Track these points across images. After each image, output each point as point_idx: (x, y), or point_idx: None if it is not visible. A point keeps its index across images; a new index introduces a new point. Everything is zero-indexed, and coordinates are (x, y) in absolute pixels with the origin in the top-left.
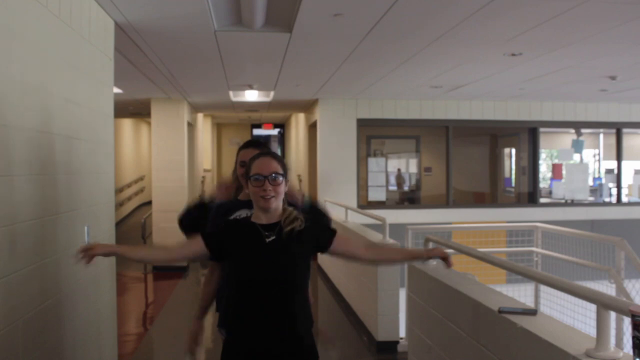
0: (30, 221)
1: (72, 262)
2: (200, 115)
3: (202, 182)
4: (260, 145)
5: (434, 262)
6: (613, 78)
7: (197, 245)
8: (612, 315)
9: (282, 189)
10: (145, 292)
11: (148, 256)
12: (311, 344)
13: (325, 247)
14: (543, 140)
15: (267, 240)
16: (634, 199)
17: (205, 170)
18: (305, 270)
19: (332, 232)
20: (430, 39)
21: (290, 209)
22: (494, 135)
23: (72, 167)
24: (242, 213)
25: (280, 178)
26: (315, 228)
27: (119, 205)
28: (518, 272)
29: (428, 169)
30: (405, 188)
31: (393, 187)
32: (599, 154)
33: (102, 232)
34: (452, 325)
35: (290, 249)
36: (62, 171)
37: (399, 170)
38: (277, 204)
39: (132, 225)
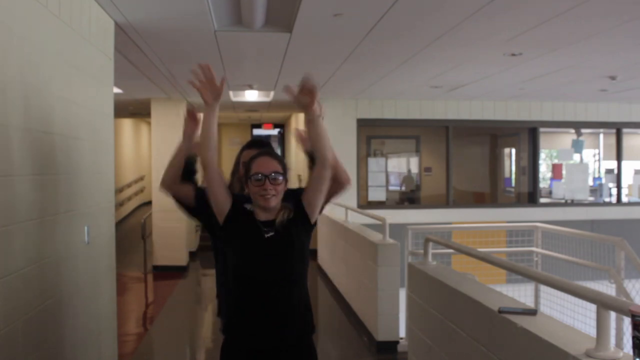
0: (30, 221)
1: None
2: (200, 115)
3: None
4: (263, 145)
5: (433, 263)
6: (613, 78)
7: (228, 195)
8: (612, 315)
9: (282, 188)
10: (145, 292)
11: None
12: (310, 342)
13: (305, 215)
14: (543, 140)
15: (266, 235)
16: (634, 199)
17: None
18: (304, 265)
19: (299, 192)
20: (430, 39)
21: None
22: (494, 135)
23: (72, 167)
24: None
25: (280, 177)
26: (295, 207)
27: (119, 205)
28: (518, 272)
29: (428, 169)
30: (401, 188)
31: (394, 187)
32: (599, 154)
33: (102, 232)
34: (452, 325)
35: (289, 244)
36: (62, 171)
37: (409, 171)
38: (278, 202)
39: (132, 225)
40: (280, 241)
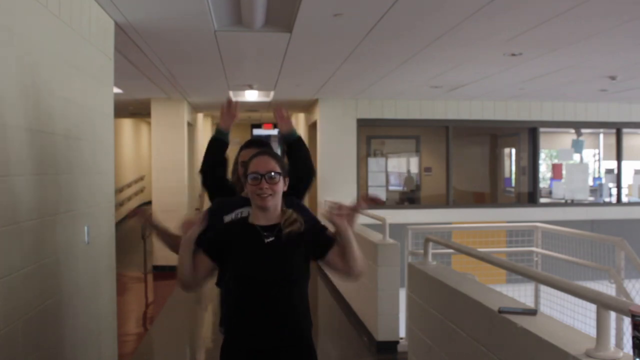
0: (30, 221)
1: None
2: (200, 115)
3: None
4: (262, 144)
5: (433, 263)
6: (613, 78)
7: (204, 261)
8: (612, 315)
9: (280, 188)
10: (145, 292)
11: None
12: (309, 342)
13: (322, 256)
14: (543, 140)
15: (266, 240)
16: (634, 199)
17: None
18: (304, 268)
19: (332, 242)
20: (430, 39)
21: (290, 210)
22: (494, 135)
23: (72, 167)
24: (244, 211)
25: (278, 177)
26: (316, 234)
27: (119, 205)
28: (518, 272)
29: (428, 169)
30: (404, 188)
31: (394, 187)
32: (599, 154)
33: (102, 232)
34: (452, 325)
35: (289, 250)
36: (62, 171)
37: (408, 171)
38: (275, 202)
39: (132, 225)
40: (281, 246)
